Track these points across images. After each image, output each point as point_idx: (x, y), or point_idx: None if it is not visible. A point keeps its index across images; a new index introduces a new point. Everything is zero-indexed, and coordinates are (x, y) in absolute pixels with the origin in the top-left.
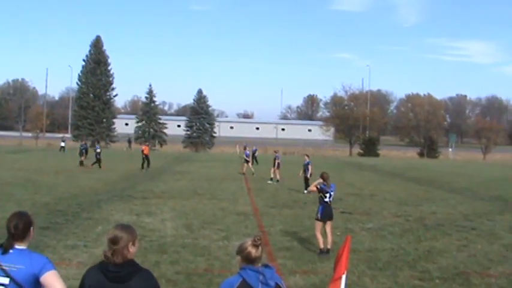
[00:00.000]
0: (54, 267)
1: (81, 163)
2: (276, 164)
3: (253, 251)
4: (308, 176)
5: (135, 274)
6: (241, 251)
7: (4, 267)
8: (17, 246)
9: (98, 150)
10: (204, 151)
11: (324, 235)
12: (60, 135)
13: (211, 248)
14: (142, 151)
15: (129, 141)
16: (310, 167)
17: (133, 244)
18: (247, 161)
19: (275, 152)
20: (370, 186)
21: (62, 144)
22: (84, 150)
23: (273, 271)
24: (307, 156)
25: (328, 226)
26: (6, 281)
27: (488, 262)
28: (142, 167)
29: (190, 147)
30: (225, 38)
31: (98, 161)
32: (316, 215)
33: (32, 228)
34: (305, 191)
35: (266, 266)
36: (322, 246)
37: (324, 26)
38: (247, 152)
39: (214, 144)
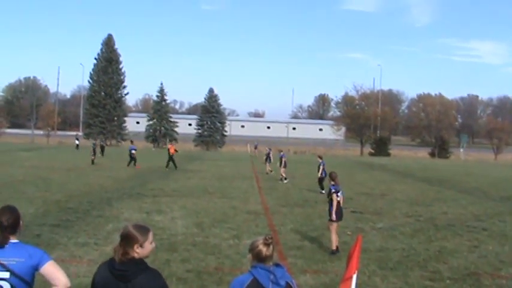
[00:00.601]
0: (51, 257)
1: (93, 162)
2: (283, 162)
3: (264, 250)
4: (319, 175)
5: (141, 273)
6: (252, 248)
7: (3, 262)
8: (11, 240)
9: (134, 152)
10: (215, 150)
11: None
12: (73, 133)
13: (221, 246)
14: (168, 150)
15: (155, 141)
16: (321, 167)
17: (141, 246)
18: (269, 161)
19: (280, 151)
20: (381, 186)
21: (77, 142)
22: (100, 148)
23: (284, 270)
24: (320, 157)
25: (338, 226)
26: (6, 275)
27: (499, 263)
28: (168, 166)
29: (201, 146)
30: (236, 37)
31: (133, 160)
32: (330, 216)
33: (21, 221)
34: (322, 191)
35: (277, 265)
36: (335, 247)
37: (335, 25)
38: (270, 154)
39: (225, 143)
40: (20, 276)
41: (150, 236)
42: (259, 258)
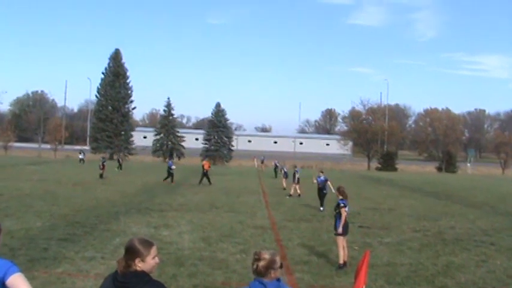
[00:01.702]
0: (19, 269)
1: (101, 176)
2: (296, 178)
3: (253, 265)
4: (318, 186)
5: (144, 285)
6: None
7: None
8: None
9: (173, 167)
10: (222, 164)
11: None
12: (79, 147)
13: (228, 261)
14: (203, 166)
15: (171, 154)
16: (328, 183)
17: (143, 260)
18: (285, 177)
19: (294, 166)
20: (388, 200)
21: (80, 156)
22: (118, 162)
23: (279, 284)
24: (321, 172)
25: (345, 240)
26: None
27: (507, 278)
28: (201, 182)
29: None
30: (243, 52)
31: (171, 175)
32: (336, 230)
33: (0, 236)
34: (321, 208)
35: (277, 279)
36: (342, 261)
37: (342, 40)
38: (285, 169)
39: (232, 158)
40: None
41: (153, 251)
42: (254, 272)
